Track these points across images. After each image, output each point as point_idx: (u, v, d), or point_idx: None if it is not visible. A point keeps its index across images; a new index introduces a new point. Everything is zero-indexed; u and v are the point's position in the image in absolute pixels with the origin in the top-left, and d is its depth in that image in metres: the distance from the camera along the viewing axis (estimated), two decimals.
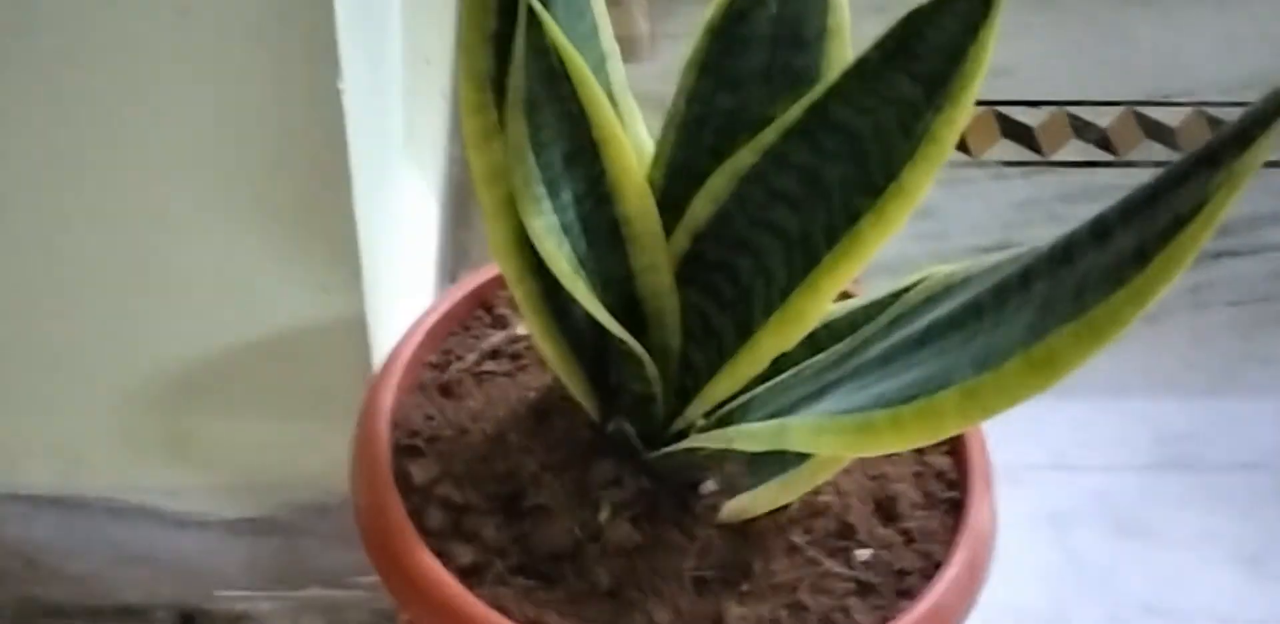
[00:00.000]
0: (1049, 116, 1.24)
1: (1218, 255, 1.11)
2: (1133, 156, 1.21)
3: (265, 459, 0.72)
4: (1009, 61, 1.26)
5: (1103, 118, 1.25)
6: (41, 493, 0.73)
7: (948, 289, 0.45)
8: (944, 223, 1.13)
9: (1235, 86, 1.28)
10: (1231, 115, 1.26)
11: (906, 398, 0.40)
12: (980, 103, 1.22)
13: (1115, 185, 1.17)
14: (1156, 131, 1.23)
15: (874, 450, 0.42)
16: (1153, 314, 1.04)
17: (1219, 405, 0.99)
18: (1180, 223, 0.34)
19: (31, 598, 0.80)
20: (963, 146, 1.20)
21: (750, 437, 0.47)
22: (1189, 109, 1.26)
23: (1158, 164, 1.20)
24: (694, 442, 0.52)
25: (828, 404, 0.45)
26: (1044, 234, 1.16)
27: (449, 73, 1.07)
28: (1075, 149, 1.21)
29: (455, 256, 1.05)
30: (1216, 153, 0.34)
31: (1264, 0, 1.38)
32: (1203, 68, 1.30)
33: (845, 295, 0.58)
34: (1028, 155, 1.20)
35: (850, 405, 0.43)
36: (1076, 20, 1.35)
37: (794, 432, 0.44)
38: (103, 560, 0.78)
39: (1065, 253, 0.38)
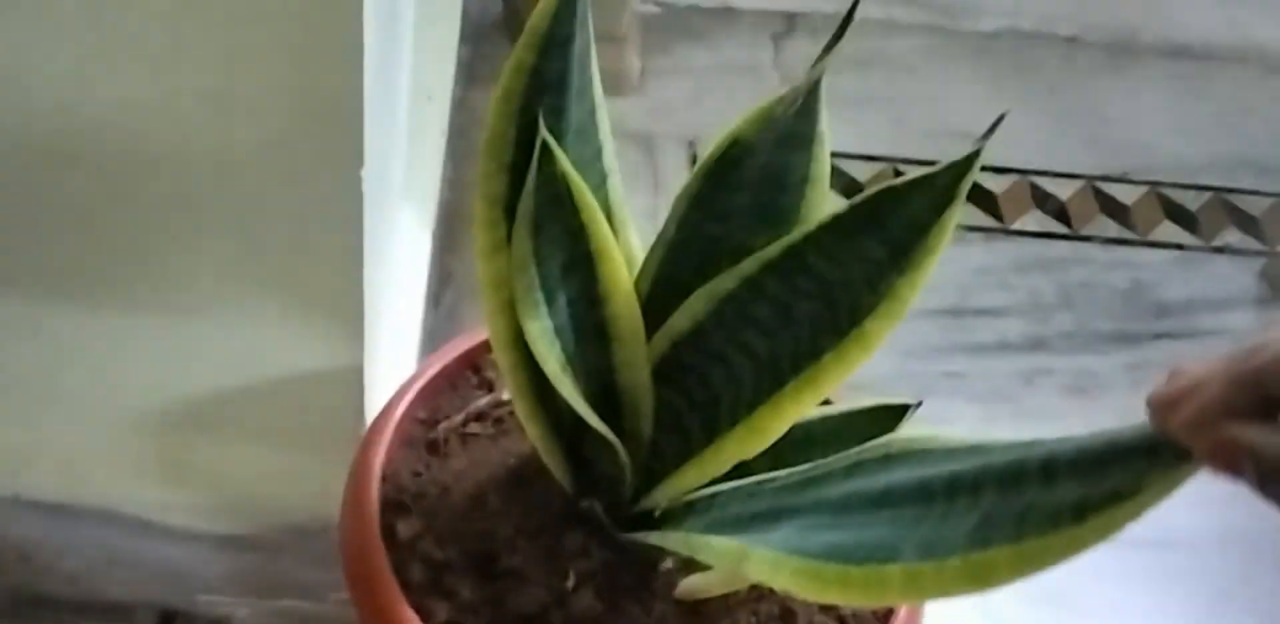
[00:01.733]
0: (1012, 184, 1.31)
1: (1156, 337, 1.19)
2: (1087, 231, 1.28)
3: (256, 485, 0.78)
4: (975, 125, 1.32)
5: (1063, 190, 1.31)
6: (42, 499, 0.79)
7: (907, 454, 0.50)
8: None
9: (1190, 169, 1.36)
10: (1184, 198, 1.34)
11: (858, 560, 0.46)
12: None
13: (1067, 257, 1.25)
14: (1111, 208, 1.31)
15: (823, 599, 0.48)
16: (1088, 389, 1.11)
17: None
18: (1118, 499, 0.40)
19: (24, 590, 0.86)
20: None
21: (713, 553, 0.53)
22: (1145, 188, 1.33)
23: (1109, 241, 1.28)
24: (660, 541, 0.58)
25: (785, 534, 0.51)
26: (996, 302, 1.22)
27: (448, 109, 1.13)
28: (1034, 219, 1.28)
29: (441, 280, 1.11)
30: (1158, 448, 0.40)
31: (1224, 87, 1.46)
32: (1161, 146, 1.37)
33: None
34: (988, 221, 1.27)
35: (807, 546, 0.48)
36: (1044, 89, 1.42)
37: (753, 561, 0.50)
38: (93, 560, 0.83)
39: (1015, 478, 0.43)
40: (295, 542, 0.82)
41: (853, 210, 0.53)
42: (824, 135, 0.57)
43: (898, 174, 1.30)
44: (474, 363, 0.73)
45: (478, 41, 1.32)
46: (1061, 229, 1.28)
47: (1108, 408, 1.12)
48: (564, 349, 0.59)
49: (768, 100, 0.55)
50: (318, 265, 0.66)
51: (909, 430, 0.54)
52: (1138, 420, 1.14)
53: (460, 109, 1.22)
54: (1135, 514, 0.40)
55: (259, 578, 0.85)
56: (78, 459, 0.78)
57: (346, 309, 0.69)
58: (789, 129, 0.56)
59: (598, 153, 0.59)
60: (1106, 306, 1.20)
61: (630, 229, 0.63)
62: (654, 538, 0.58)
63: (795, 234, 0.55)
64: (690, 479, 0.61)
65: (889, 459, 0.51)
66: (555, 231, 0.57)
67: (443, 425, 0.70)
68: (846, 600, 0.47)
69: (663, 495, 0.62)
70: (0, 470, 0.78)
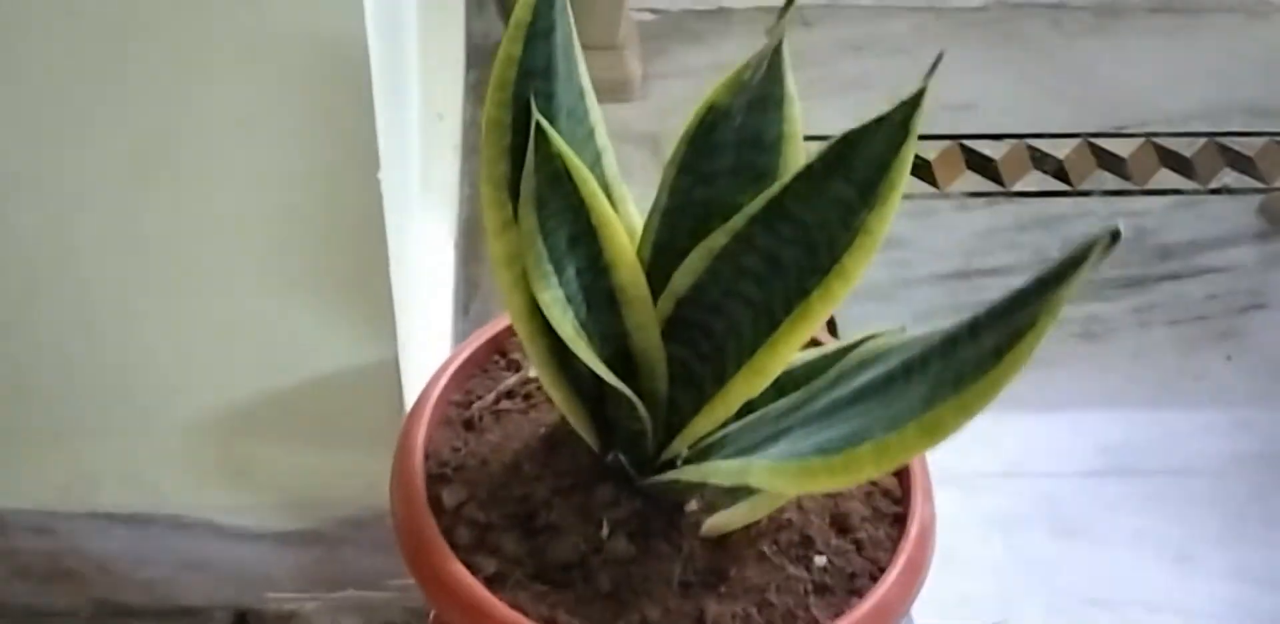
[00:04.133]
0: (1010, 148, 1.35)
1: (1160, 279, 1.23)
2: (1086, 186, 1.32)
3: (311, 481, 0.84)
4: (972, 97, 1.37)
5: (1060, 149, 1.36)
6: (117, 511, 0.85)
7: (877, 357, 0.56)
8: (910, 252, 1.24)
9: (1182, 118, 1.39)
10: (1179, 145, 1.38)
11: (837, 449, 0.51)
12: (946, 137, 1.34)
13: (1068, 214, 1.29)
14: (1108, 162, 1.35)
15: (814, 488, 0.53)
16: (1098, 334, 1.16)
17: (1154, 417, 1.10)
18: (1020, 333, 0.45)
19: (105, 600, 0.91)
20: (931, 179, 1.31)
21: (721, 474, 0.58)
22: (1140, 140, 1.37)
23: (1109, 193, 1.32)
24: (677, 475, 0.63)
25: (782, 447, 0.56)
26: (1002, 261, 1.27)
27: (459, 127, 1.19)
28: (1034, 180, 1.32)
29: (468, 289, 1.16)
30: (1046, 282, 0.45)
31: (1211, 36, 1.50)
32: (1153, 100, 1.41)
33: (814, 341, 0.70)
34: (990, 186, 1.31)
35: (797, 451, 0.54)
36: (1035, 55, 1.46)
37: (754, 472, 0.55)
38: (168, 567, 0.89)
39: (951, 344, 0.49)
40: (352, 533, 0.87)
41: (821, 158, 0.57)
42: (792, 96, 0.62)
43: None
44: (500, 347, 0.79)
45: (483, 65, 1.37)
46: (1061, 187, 1.32)
47: (1119, 351, 1.16)
48: (576, 315, 0.64)
49: (736, 68, 0.60)
50: (347, 265, 0.71)
51: (879, 338, 0.59)
52: (1147, 361, 1.18)
53: (472, 129, 1.28)
54: (1035, 342, 0.45)
55: (322, 571, 0.90)
56: (145, 471, 0.83)
57: (377, 306, 0.75)
58: (759, 92, 0.61)
59: (590, 133, 0.64)
60: (1112, 254, 1.24)
61: (629, 204, 0.67)
62: (671, 475, 0.63)
63: (775, 187, 0.60)
64: (704, 424, 0.66)
65: (862, 365, 0.56)
66: (558, 207, 0.62)
67: (476, 405, 0.76)
68: (834, 484, 0.52)
69: (681, 444, 0.67)
70: (77, 488, 0.84)
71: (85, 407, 0.80)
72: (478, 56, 1.36)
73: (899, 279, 1.20)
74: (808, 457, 0.53)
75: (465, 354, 0.77)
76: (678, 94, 1.35)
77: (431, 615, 0.92)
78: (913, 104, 0.55)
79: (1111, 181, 1.33)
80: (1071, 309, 1.20)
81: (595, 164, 0.65)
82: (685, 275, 0.65)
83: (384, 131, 0.67)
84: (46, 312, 0.75)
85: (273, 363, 0.78)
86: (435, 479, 0.71)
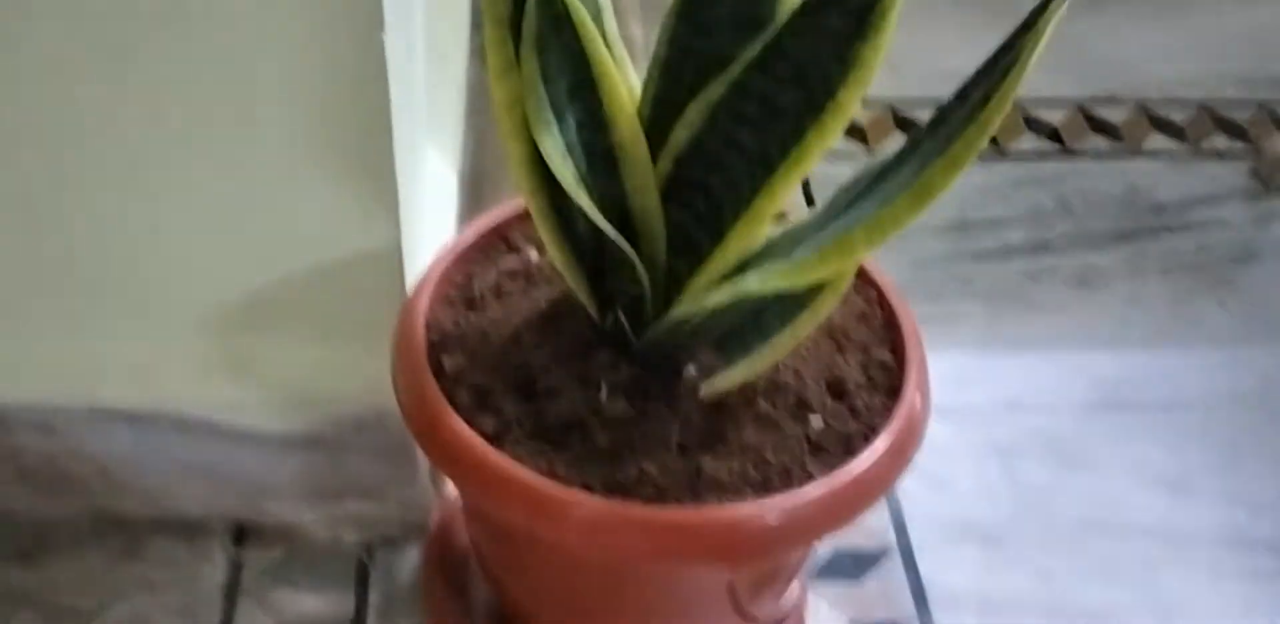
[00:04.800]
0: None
1: (1154, 231, 1.24)
2: (1079, 148, 1.34)
3: (312, 376, 0.84)
4: (966, 64, 1.39)
5: (1053, 114, 1.38)
6: (119, 407, 0.85)
7: (866, 171, 0.57)
8: None
9: (1173, 86, 1.42)
10: (1169, 110, 1.40)
11: (828, 241, 0.52)
12: (938, 100, 1.36)
13: (1062, 173, 1.31)
14: (1101, 126, 1.36)
15: (810, 279, 0.54)
16: (1092, 281, 1.18)
17: (1150, 356, 1.11)
18: (1007, 70, 0.47)
19: (105, 508, 0.91)
20: None
21: (717, 294, 0.59)
22: (1131, 105, 1.39)
23: (1102, 155, 1.33)
24: (676, 314, 0.64)
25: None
26: (997, 214, 1.28)
27: (463, 75, 1.21)
28: (1027, 140, 1.34)
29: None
30: (1029, 20, 0.46)
31: (1199, 14, 1.52)
32: (1144, 70, 1.44)
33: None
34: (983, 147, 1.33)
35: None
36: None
37: (748, 281, 0.56)
38: (167, 473, 0.89)
39: (940, 117, 0.50)
40: (354, 437, 0.87)
41: None
42: None
43: (896, 116, 1.37)
44: (502, 234, 0.79)
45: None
46: (1054, 148, 1.34)
47: (1114, 296, 1.17)
48: (577, 167, 0.65)
49: None
50: (347, 130, 0.72)
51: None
52: (1141, 306, 1.19)
53: (476, 90, 1.30)
54: (1026, 67, 0.48)
55: (322, 479, 0.91)
56: (148, 363, 0.84)
57: (381, 185, 0.75)
58: None
59: None
60: (1104, 209, 1.26)
61: (628, 66, 0.69)
62: (671, 316, 0.64)
63: (771, 30, 0.61)
64: (702, 283, 0.66)
65: (850, 187, 0.57)
66: (558, 53, 0.63)
67: (477, 285, 0.76)
68: (827, 272, 0.52)
69: (679, 310, 0.68)
70: (76, 381, 0.84)
71: (88, 295, 0.80)
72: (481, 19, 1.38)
73: (900, 233, 1.22)
74: (801, 256, 0.53)
75: (468, 239, 0.78)
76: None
77: (433, 528, 0.92)
78: None
79: (1104, 144, 1.35)
80: (1064, 258, 1.22)
81: (595, 19, 0.66)
82: (683, 130, 0.66)
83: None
84: (47, 198, 0.76)
85: (275, 249, 0.79)
86: (436, 347, 0.72)
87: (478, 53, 1.33)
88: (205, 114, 0.72)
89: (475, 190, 1.20)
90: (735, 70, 0.63)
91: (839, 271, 0.52)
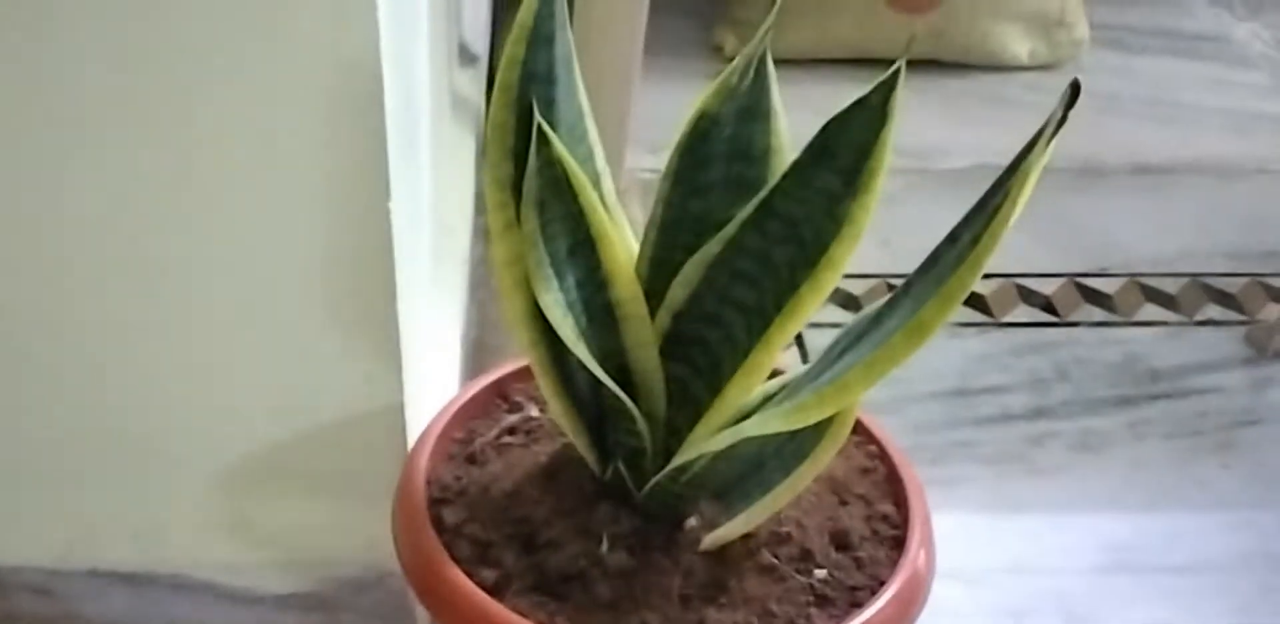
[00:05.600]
0: (998, 286, 1.40)
1: (1153, 397, 1.25)
2: (1075, 318, 1.36)
3: (313, 537, 0.84)
4: None
5: (1047, 287, 1.40)
6: (118, 569, 0.84)
7: (861, 318, 0.58)
8: (907, 372, 1.25)
9: (1165, 260, 1.45)
10: (1163, 284, 1.43)
11: (826, 384, 0.53)
12: None
13: (1059, 341, 1.32)
14: (1095, 297, 1.39)
15: (807, 420, 0.54)
16: (1095, 446, 1.18)
17: (1157, 518, 1.10)
18: (996, 211, 0.48)
19: None
20: None
21: (717, 440, 0.60)
22: (1124, 279, 1.42)
23: (1097, 324, 1.35)
24: (677, 460, 0.64)
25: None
26: (997, 381, 1.29)
27: (468, 249, 1.24)
28: (1023, 312, 1.36)
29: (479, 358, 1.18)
30: (1016, 163, 0.48)
31: (1187, 194, 1.57)
32: (1136, 245, 1.47)
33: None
34: (980, 318, 1.35)
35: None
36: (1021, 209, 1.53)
37: (747, 426, 0.57)
38: None
39: (932, 259, 0.52)
40: (352, 596, 0.87)
41: (808, 149, 0.61)
42: (778, 109, 0.66)
43: (890, 288, 1.39)
44: (502, 391, 0.81)
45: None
46: (1050, 318, 1.36)
47: (1116, 459, 1.17)
48: (576, 323, 0.66)
49: (723, 75, 0.65)
50: (354, 300, 0.74)
51: None
52: (1145, 469, 1.19)
53: (480, 265, 1.33)
54: (1014, 210, 0.49)
55: None
56: (150, 526, 0.84)
57: (385, 345, 0.77)
58: (746, 102, 0.65)
59: (589, 154, 0.69)
60: (1103, 377, 1.27)
61: (626, 228, 0.71)
62: (672, 463, 0.64)
63: (765, 190, 0.64)
64: (701, 435, 0.67)
65: (846, 334, 0.58)
66: (558, 213, 0.65)
67: (478, 441, 0.77)
68: (825, 412, 0.53)
69: (679, 462, 0.68)
70: (78, 545, 0.84)
71: (88, 456, 0.81)
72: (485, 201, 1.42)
73: (898, 396, 1.23)
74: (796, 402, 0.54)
75: (468, 396, 0.79)
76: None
77: None
78: (889, 85, 0.59)
79: (1099, 314, 1.36)
80: (1066, 423, 1.23)
81: (595, 185, 0.68)
82: (681, 287, 0.67)
83: (396, 163, 0.72)
84: (47, 356, 0.77)
85: (278, 409, 0.80)
86: (437, 502, 0.72)
87: (481, 231, 1.37)
88: (211, 276, 0.74)
89: (477, 361, 1.22)
90: (730, 229, 0.65)
91: (838, 413, 0.53)
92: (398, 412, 0.80)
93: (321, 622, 0.87)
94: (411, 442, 0.81)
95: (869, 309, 0.59)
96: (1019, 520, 1.08)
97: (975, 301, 1.37)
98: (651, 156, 1.61)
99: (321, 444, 0.81)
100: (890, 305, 0.55)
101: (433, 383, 0.97)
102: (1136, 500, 1.12)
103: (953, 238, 0.52)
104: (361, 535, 0.83)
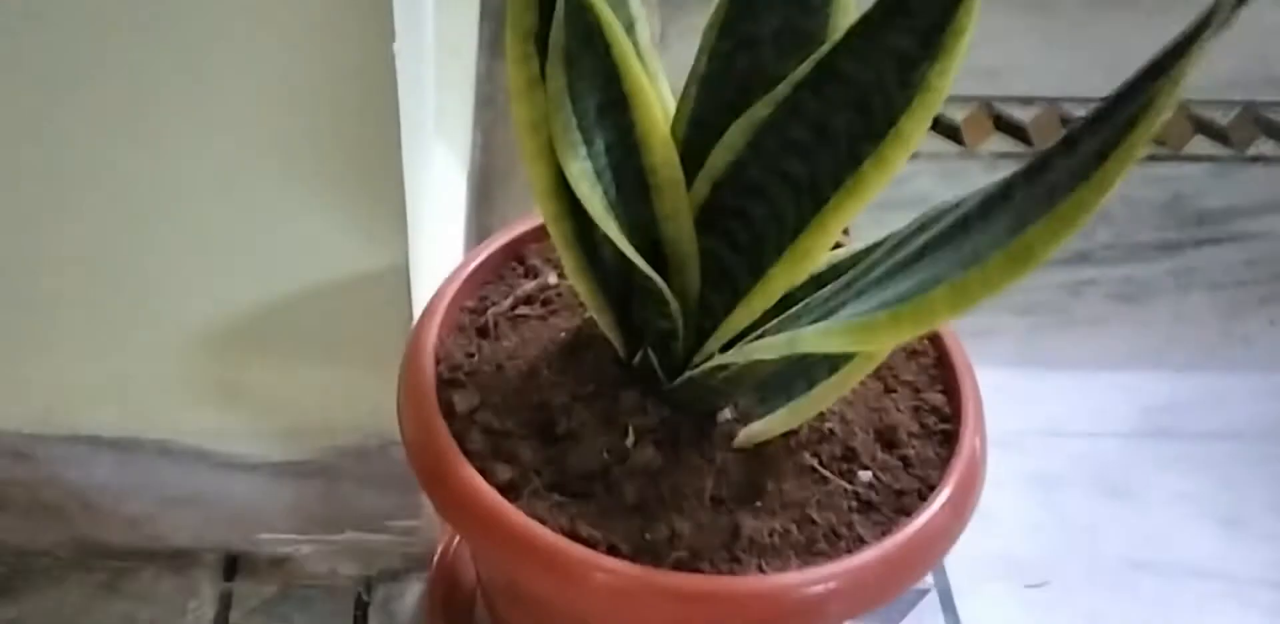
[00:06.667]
0: (1040, 111, 1.30)
1: (1199, 243, 1.18)
2: None
3: (310, 404, 0.78)
4: (1000, 62, 1.33)
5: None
6: (101, 434, 0.79)
7: (940, 213, 0.51)
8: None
9: (1215, 87, 1.35)
10: (1211, 112, 1.33)
11: (903, 299, 0.46)
12: (974, 98, 1.29)
13: None
14: None
15: (877, 345, 0.48)
16: (1137, 296, 1.11)
17: (1199, 379, 1.04)
18: (1132, 122, 0.40)
19: (87, 538, 0.85)
20: (959, 139, 1.26)
21: (766, 348, 0.53)
22: (1174, 107, 1.32)
23: (1144, 158, 1.27)
24: (716, 360, 0.57)
25: (835, 318, 0.51)
26: None
27: (473, 66, 1.14)
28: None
29: (479, 239, 1.11)
30: (1159, 64, 0.40)
31: (1246, 12, 1.45)
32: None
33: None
34: (1020, 147, 1.26)
35: (855, 312, 0.49)
36: (1065, 25, 1.41)
37: (804, 338, 0.49)
38: (155, 503, 0.83)
39: (1041, 163, 0.44)
40: (352, 464, 0.81)
41: (879, 5, 0.52)
42: None
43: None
44: (517, 254, 0.73)
45: (498, 19, 1.33)
46: None
47: (1157, 312, 1.10)
48: (605, 194, 0.58)
49: None
50: (354, 146, 0.66)
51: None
52: (1188, 324, 1.13)
53: (486, 81, 1.23)
54: (1153, 124, 0.40)
55: (319, 509, 0.85)
56: (133, 389, 0.77)
57: (389, 202, 0.69)
58: None
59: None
60: (1147, 218, 1.19)
61: (662, 81, 0.62)
62: (707, 365, 0.57)
63: (825, 46, 0.55)
64: (740, 319, 0.60)
65: (924, 227, 0.50)
66: (588, 68, 0.56)
67: (491, 311, 0.70)
68: (899, 338, 0.46)
69: (714, 346, 0.62)
70: (60, 408, 0.78)
71: (70, 316, 0.74)
72: (491, 8, 1.32)
73: None
74: (868, 314, 0.47)
75: (479, 259, 0.71)
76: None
77: (436, 561, 0.86)
78: None
79: (1147, 147, 1.28)
80: (1107, 269, 1.16)
81: (629, 30, 0.59)
82: (724, 153, 0.59)
83: (400, 10, 0.62)
84: (32, 209, 0.69)
85: (273, 269, 0.72)
86: (447, 384, 0.65)
87: (487, 43, 1.27)
88: (203, 125, 0.65)
89: (484, 187, 1.14)
90: (784, 89, 0.56)
91: (911, 333, 0.45)
92: (402, 273, 0.72)
93: (320, 490, 0.82)
94: (417, 306, 0.74)
95: (954, 204, 0.51)
96: (1052, 379, 1.03)
97: (1015, 130, 1.28)
98: None
99: (320, 306, 0.73)
100: (983, 208, 0.46)
101: (438, 228, 0.89)
102: (1176, 358, 1.07)
103: (1069, 142, 0.43)
104: (364, 403, 0.77)
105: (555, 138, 0.56)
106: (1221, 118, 1.32)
